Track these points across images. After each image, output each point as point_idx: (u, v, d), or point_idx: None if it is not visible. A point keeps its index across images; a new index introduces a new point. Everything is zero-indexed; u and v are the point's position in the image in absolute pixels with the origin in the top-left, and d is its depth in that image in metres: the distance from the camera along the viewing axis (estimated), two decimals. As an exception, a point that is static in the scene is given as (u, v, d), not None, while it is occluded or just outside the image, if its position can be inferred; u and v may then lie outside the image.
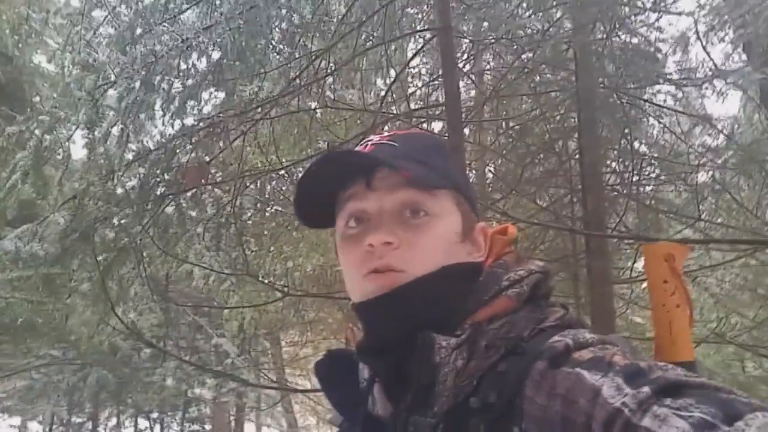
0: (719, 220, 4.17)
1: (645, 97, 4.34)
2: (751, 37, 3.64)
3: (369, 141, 0.79)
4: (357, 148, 0.79)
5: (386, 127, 3.87)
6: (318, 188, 0.76)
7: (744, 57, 4.17)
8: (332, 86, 4.07)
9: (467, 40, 4.51)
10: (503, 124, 4.45)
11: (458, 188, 0.77)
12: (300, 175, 0.82)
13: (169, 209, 4.35)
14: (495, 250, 0.78)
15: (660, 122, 4.40)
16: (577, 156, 4.18)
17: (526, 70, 4.31)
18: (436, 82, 4.59)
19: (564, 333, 0.65)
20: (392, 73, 4.17)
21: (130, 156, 4.09)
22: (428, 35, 4.01)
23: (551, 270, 0.74)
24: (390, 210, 0.72)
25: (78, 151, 4.34)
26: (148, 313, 4.55)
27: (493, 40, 4.35)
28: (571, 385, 0.57)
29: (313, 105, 3.82)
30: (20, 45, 6.50)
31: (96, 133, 3.67)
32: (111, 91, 3.98)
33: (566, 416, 0.56)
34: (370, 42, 3.98)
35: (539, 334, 0.66)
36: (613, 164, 4.45)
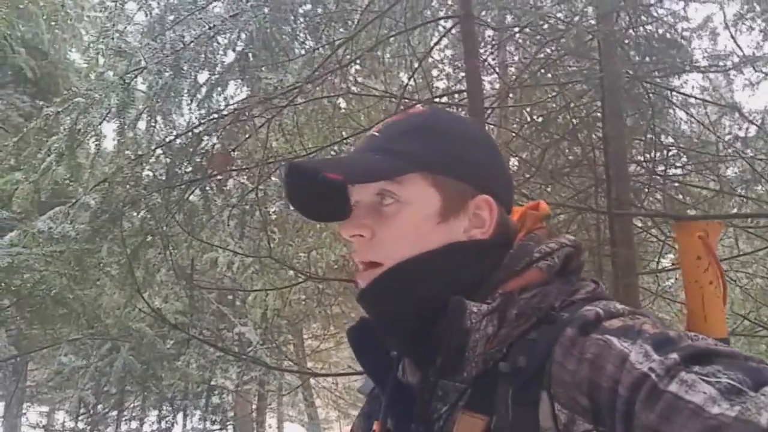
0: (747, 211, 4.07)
1: (671, 86, 4.29)
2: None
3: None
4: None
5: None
6: (307, 199, 0.81)
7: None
8: (355, 75, 4.11)
9: (491, 30, 4.52)
10: (526, 113, 4.43)
11: (437, 168, 0.74)
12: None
13: (195, 196, 4.45)
14: (527, 225, 0.78)
15: (687, 112, 4.34)
16: (601, 146, 4.15)
17: (549, 60, 4.29)
18: (460, 72, 4.61)
19: (595, 303, 0.66)
20: (415, 63, 4.20)
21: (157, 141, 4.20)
22: (450, 23, 4.03)
23: (582, 245, 0.75)
24: (364, 201, 0.75)
25: (109, 135, 4.47)
26: (173, 300, 4.63)
27: (516, 30, 4.36)
28: (600, 350, 0.58)
29: (337, 93, 3.86)
30: (55, 40, 6.71)
31: (126, 118, 3.78)
32: (141, 79, 4.11)
33: (593, 381, 0.57)
34: (393, 30, 4.01)
35: (570, 305, 0.67)
36: (638, 156, 4.40)
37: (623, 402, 0.54)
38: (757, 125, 4.18)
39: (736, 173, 4.31)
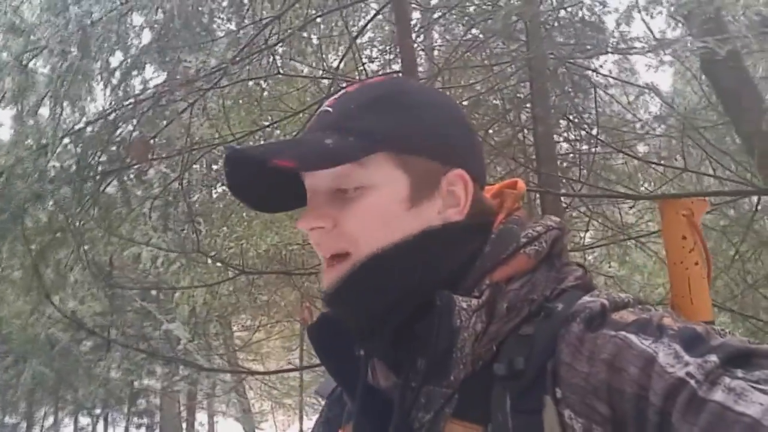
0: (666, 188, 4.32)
1: (592, 68, 4.46)
2: (692, 7, 3.77)
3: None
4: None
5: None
6: (254, 189, 0.70)
7: (682, 29, 4.34)
8: (283, 56, 3.94)
9: (418, 13, 4.48)
10: (455, 96, 4.45)
11: (402, 146, 0.65)
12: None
13: (112, 187, 4.12)
14: (506, 205, 0.70)
15: (607, 93, 4.53)
16: (530, 126, 4.25)
17: (477, 42, 4.32)
18: (389, 54, 4.55)
19: (594, 293, 0.60)
20: (345, 44, 4.09)
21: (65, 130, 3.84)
22: (380, 4, 3.95)
23: (567, 226, 0.68)
24: (323, 190, 0.65)
25: (5, 123, 4.03)
26: (90, 301, 4.29)
27: (444, 12, 4.35)
28: (617, 350, 0.52)
29: (264, 75, 3.68)
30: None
31: (24, 103, 3.41)
32: (42, 61, 3.72)
33: (614, 385, 0.51)
34: (322, 10, 3.88)
35: (561, 294, 0.61)
36: (565, 134, 4.56)
37: (656, 412, 0.48)
38: (669, 104, 4.42)
39: (652, 150, 4.55)
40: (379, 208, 0.64)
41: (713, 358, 0.47)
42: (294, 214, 4.84)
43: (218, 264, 4.16)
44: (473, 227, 0.66)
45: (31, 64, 3.62)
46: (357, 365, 0.67)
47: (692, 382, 0.46)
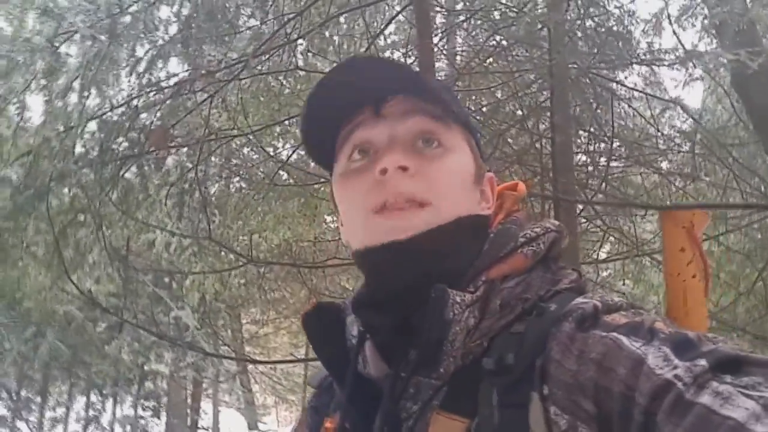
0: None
1: (616, 79, 4.39)
2: (723, 18, 3.69)
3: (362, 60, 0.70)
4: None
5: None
6: (327, 112, 0.66)
7: (715, 41, 4.24)
8: (304, 52, 3.98)
9: (441, 18, 4.48)
10: (475, 100, 4.43)
11: (469, 127, 0.69)
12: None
13: (131, 173, 4.22)
14: (506, 206, 0.72)
15: (630, 106, 4.45)
16: (548, 135, 4.20)
17: (499, 48, 4.30)
18: (409, 58, 4.55)
19: (588, 295, 0.60)
20: (365, 44, 4.11)
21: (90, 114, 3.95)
22: (401, 5, 3.96)
23: (565, 230, 0.69)
24: (402, 138, 0.64)
25: (35, 107, 4.17)
26: (106, 282, 4.40)
27: (467, 16, 4.33)
28: (607, 350, 0.52)
29: (284, 70, 3.73)
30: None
31: (54, 85, 3.52)
32: (73, 46, 3.83)
33: (601, 384, 0.51)
34: (344, 8, 3.91)
35: (555, 295, 0.61)
36: (582, 147, 4.49)
37: (641, 411, 0.48)
38: (695, 120, 4.32)
39: (675, 167, 4.45)
40: (462, 170, 0.66)
41: (702, 362, 0.47)
42: (306, 210, 4.90)
43: (228, 253, 4.22)
44: (486, 223, 0.68)
45: (62, 48, 3.73)
46: (348, 354, 0.67)
47: (679, 384, 0.46)
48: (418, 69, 3.71)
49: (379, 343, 0.65)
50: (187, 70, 3.85)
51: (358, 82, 0.65)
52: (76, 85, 3.62)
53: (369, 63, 0.68)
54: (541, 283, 0.62)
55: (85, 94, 3.73)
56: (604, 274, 5.22)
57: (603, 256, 4.72)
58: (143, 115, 3.95)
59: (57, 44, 3.24)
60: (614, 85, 4.37)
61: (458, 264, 0.63)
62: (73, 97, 3.87)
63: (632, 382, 0.49)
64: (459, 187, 0.65)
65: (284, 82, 3.93)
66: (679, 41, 4.03)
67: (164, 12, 3.81)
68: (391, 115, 0.65)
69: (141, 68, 3.96)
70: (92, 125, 3.73)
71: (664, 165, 4.66)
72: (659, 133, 4.36)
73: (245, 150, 4.15)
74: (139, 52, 3.84)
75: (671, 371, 0.47)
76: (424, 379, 0.60)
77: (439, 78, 4.22)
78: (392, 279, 0.63)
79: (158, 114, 3.89)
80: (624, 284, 4.91)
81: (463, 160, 0.67)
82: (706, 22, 4.04)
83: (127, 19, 3.64)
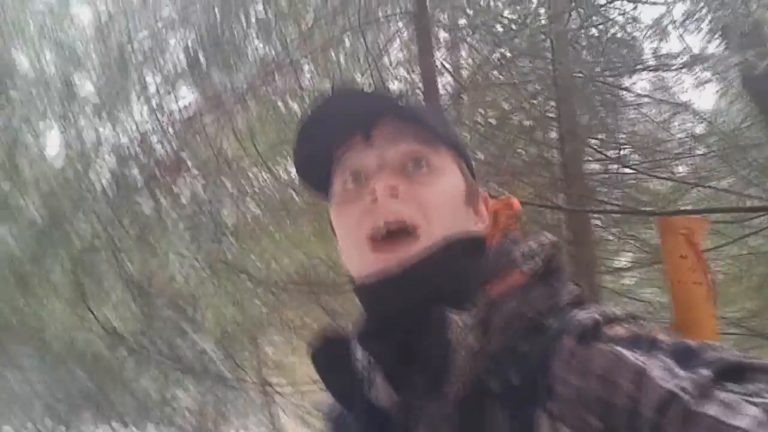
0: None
1: (623, 86, 4.36)
2: (728, 20, 3.66)
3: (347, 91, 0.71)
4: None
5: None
6: (317, 142, 0.68)
7: (722, 43, 4.19)
8: (309, 76, 4.06)
9: (444, 33, 4.53)
10: (481, 114, 4.44)
11: (458, 149, 0.70)
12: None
13: (147, 206, 4.30)
14: (501, 224, 0.72)
15: (639, 111, 4.40)
16: (557, 145, 4.17)
17: (503, 61, 4.32)
18: (413, 75, 4.60)
19: (587, 308, 0.59)
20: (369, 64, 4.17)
21: (107, 148, 4.07)
22: (406, 21, 4.03)
23: (562, 244, 0.68)
24: (391, 163, 0.65)
25: (52, 144, 4.31)
26: (125, 312, 4.47)
27: (470, 31, 4.38)
28: (609, 364, 0.52)
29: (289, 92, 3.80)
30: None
31: (71, 125, 3.64)
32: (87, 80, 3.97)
33: (605, 399, 0.50)
34: (347, 31, 3.99)
35: (556, 311, 0.61)
36: (594, 155, 4.44)
37: (648, 424, 0.47)
38: (708, 121, 4.26)
39: (688, 170, 4.37)
40: (453, 190, 0.66)
41: (706, 372, 0.47)
42: (321, 231, 4.90)
43: (247, 282, 4.25)
44: (482, 241, 0.69)
45: (75, 80, 3.86)
46: (358, 384, 0.66)
47: (684, 395, 0.46)
48: (421, 85, 3.75)
49: (386, 371, 0.64)
50: (196, 102, 3.95)
51: (346, 111, 0.66)
52: (90, 113, 3.74)
53: (354, 92, 0.70)
54: (540, 299, 0.61)
55: (98, 123, 3.84)
56: (629, 282, 5.08)
57: (624, 264, 4.61)
58: (157, 146, 4.06)
59: (69, 77, 3.36)
60: (622, 92, 4.34)
61: (455, 285, 0.62)
62: (89, 129, 3.99)
63: (636, 394, 0.48)
64: (449, 207, 0.65)
65: (291, 105, 4.00)
66: (686, 45, 4.01)
67: (172, 41, 3.94)
68: (381, 140, 0.66)
69: (151, 98, 4.09)
70: (107, 155, 3.85)
71: (683, 169, 4.57)
72: (672, 138, 4.30)
73: (256, 172, 4.20)
74: (149, 81, 3.96)
75: (675, 382, 0.47)
76: (434, 406, 0.59)
77: (442, 93, 4.25)
78: (387, 309, 0.63)
79: (170, 143, 3.99)
80: (650, 293, 4.78)
81: (453, 180, 0.67)
82: (709, 25, 4.00)
83: (136, 46, 3.76)
